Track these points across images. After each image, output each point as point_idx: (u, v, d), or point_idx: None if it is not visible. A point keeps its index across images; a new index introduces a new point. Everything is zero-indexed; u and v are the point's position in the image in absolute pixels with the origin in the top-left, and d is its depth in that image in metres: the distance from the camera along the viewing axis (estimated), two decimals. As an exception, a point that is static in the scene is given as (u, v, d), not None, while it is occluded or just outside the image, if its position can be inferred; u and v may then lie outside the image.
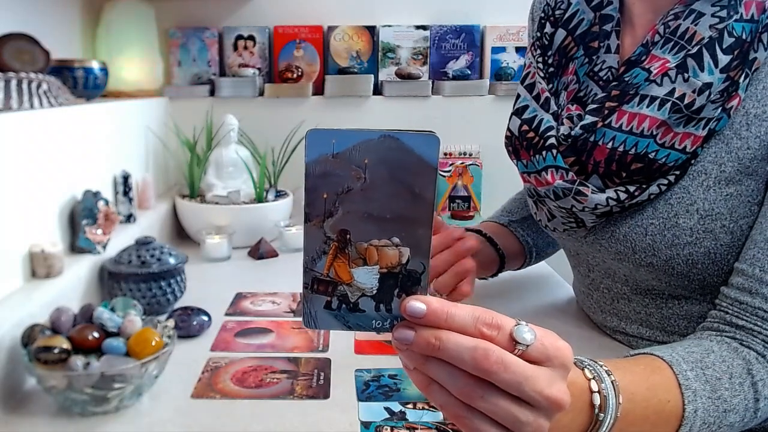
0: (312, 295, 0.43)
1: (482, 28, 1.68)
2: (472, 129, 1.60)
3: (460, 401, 0.43)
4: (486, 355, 0.41)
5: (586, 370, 0.51)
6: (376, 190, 0.41)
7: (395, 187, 0.41)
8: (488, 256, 0.95)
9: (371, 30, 1.67)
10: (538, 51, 0.83)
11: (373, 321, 0.44)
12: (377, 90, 1.65)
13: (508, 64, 1.67)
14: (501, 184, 1.32)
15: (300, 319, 0.98)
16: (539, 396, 0.42)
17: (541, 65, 0.82)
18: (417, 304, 0.42)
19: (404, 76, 1.61)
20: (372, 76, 1.62)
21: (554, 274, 1.18)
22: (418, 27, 1.67)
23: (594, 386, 0.50)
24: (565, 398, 0.43)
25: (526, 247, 1.00)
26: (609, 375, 0.51)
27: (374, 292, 0.43)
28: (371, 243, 0.42)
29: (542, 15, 0.84)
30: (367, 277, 0.43)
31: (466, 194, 1.56)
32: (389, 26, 1.67)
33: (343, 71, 1.65)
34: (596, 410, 0.49)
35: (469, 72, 1.66)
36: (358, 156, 0.40)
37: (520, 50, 1.67)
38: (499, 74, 1.66)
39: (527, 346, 0.42)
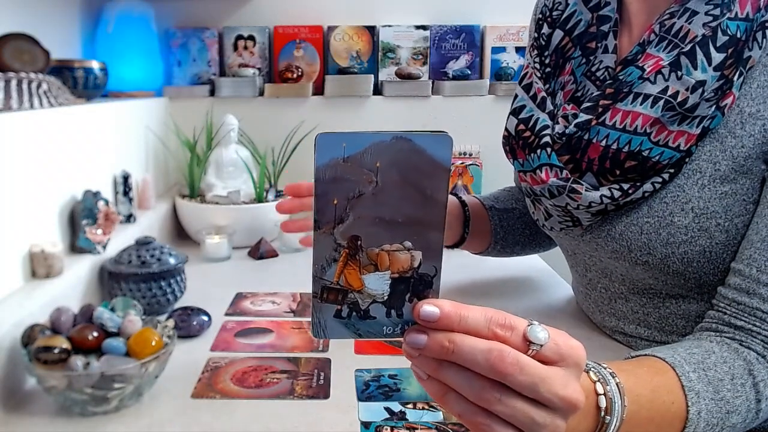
0: (321, 305, 0.42)
1: (482, 28, 1.68)
2: (472, 129, 1.60)
3: (477, 407, 0.43)
4: (501, 356, 0.41)
5: (590, 372, 0.51)
6: (388, 194, 0.40)
7: (407, 189, 0.40)
8: (452, 224, 0.97)
9: (371, 30, 1.67)
10: (536, 51, 0.83)
11: (384, 327, 0.43)
12: (377, 90, 1.65)
13: (508, 64, 1.67)
14: (501, 184, 1.32)
15: (300, 319, 0.98)
16: (555, 397, 0.42)
17: (538, 65, 0.82)
18: (430, 308, 0.42)
19: (404, 76, 1.61)
20: (372, 76, 1.62)
21: (554, 275, 1.18)
22: (418, 27, 1.67)
23: (599, 389, 0.50)
24: (581, 398, 0.43)
25: (493, 236, 1.00)
26: (613, 377, 0.51)
27: (385, 298, 0.42)
28: (383, 248, 0.41)
29: (540, 16, 0.85)
30: (378, 283, 0.42)
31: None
32: (389, 26, 1.67)
33: (343, 71, 1.65)
34: (602, 413, 0.49)
35: (469, 72, 1.66)
36: (369, 159, 0.39)
37: (520, 50, 1.67)
38: (499, 74, 1.66)
39: (541, 346, 0.42)
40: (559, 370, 0.43)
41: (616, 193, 0.70)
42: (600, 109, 0.72)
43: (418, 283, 0.42)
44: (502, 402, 0.42)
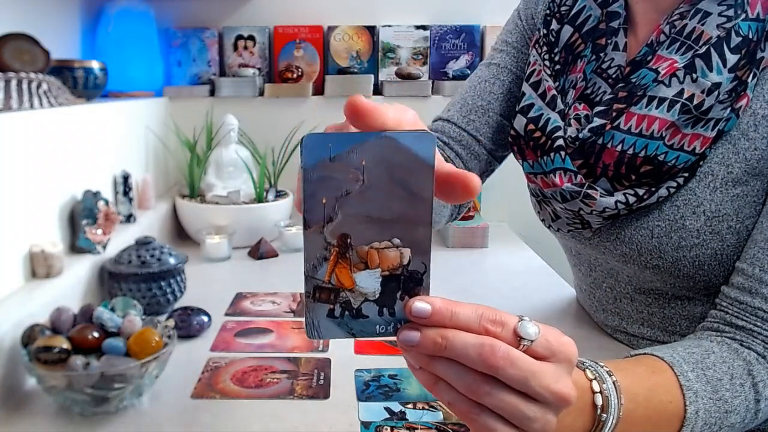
0: (314, 304, 0.42)
1: (482, 28, 1.68)
2: (472, 129, 1.59)
3: (468, 398, 0.43)
4: (492, 351, 0.41)
5: (587, 370, 0.51)
6: (375, 192, 0.41)
7: (393, 187, 0.40)
8: None
9: (371, 30, 1.67)
10: (545, 48, 0.81)
11: (377, 326, 0.43)
12: (377, 90, 1.65)
13: (508, 64, 1.67)
14: (500, 184, 1.32)
15: (300, 319, 0.98)
16: (546, 391, 0.42)
17: (547, 62, 0.80)
18: (421, 304, 0.42)
19: (404, 76, 1.61)
20: (372, 76, 1.62)
21: (554, 274, 1.18)
22: (418, 27, 1.67)
23: (596, 387, 0.50)
24: (572, 393, 0.43)
25: None
26: (610, 376, 0.51)
27: (377, 296, 0.43)
28: (372, 246, 0.42)
29: (547, 12, 0.83)
30: (369, 281, 0.42)
31: (466, 194, 1.55)
32: (389, 26, 1.67)
33: (343, 71, 1.65)
34: (598, 411, 0.49)
35: (469, 72, 1.65)
36: (355, 158, 0.40)
37: (520, 50, 1.67)
38: (499, 74, 1.66)
39: (532, 341, 0.42)
40: (551, 365, 0.43)
41: (631, 199, 0.69)
42: (614, 113, 0.70)
43: (409, 281, 0.43)
44: (492, 395, 0.42)
